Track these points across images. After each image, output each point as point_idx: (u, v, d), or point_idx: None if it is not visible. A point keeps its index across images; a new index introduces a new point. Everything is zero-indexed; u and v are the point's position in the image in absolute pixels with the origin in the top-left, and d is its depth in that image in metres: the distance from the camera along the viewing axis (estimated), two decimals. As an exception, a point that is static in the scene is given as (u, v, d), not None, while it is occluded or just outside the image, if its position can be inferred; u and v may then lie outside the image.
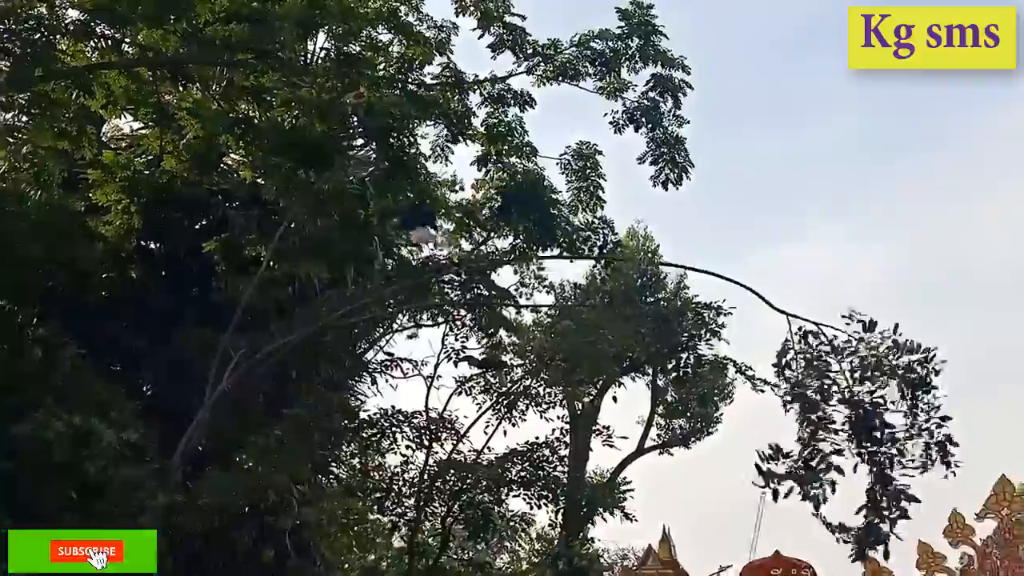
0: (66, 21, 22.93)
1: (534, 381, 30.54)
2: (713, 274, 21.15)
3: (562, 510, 30.15)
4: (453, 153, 25.65)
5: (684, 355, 21.64)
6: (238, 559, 21.12)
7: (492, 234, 26.61)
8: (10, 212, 23.55)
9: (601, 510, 31.14)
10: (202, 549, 20.56)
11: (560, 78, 23.85)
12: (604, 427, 31.68)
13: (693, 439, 44.24)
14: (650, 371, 41.16)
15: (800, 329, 19.04)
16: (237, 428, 22.08)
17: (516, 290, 30.12)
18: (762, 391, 20.49)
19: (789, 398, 18.72)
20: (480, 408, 30.02)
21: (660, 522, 38.54)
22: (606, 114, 24.06)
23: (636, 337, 31.98)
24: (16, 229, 23.34)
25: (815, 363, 18.79)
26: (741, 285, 20.46)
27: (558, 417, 30.87)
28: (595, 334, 27.71)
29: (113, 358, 25.45)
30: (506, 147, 25.59)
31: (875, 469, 17.97)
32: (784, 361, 19.06)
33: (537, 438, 29.45)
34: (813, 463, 18.03)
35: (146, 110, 24.57)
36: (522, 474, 28.70)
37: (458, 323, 28.67)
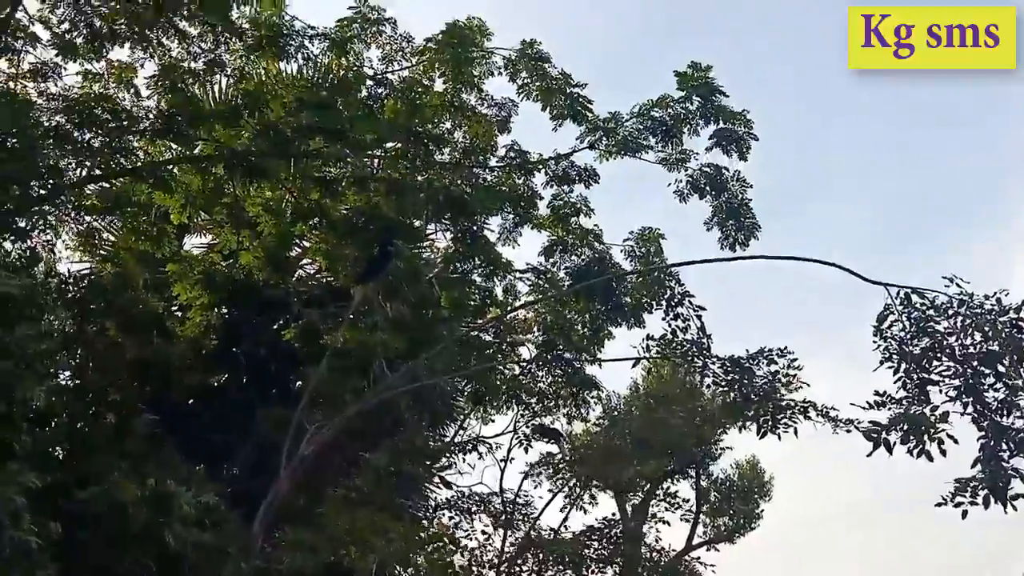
0: (143, 124, 19.90)
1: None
2: (795, 259, 17.44)
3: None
4: (521, 235, 22.31)
5: (765, 403, 17.38)
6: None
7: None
8: (98, 310, 20.01)
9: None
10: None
11: (623, 152, 20.47)
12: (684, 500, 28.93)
13: (737, 535, 40.58)
14: (694, 473, 38.31)
15: (899, 293, 16.26)
16: (316, 493, 18.27)
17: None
18: (848, 431, 16.79)
19: (891, 357, 16.04)
20: (546, 493, 27.40)
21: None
22: (669, 184, 20.87)
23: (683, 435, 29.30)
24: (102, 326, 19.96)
25: (919, 323, 16.03)
26: (831, 265, 16.99)
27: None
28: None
29: (197, 453, 21.73)
30: (572, 234, 22.26)
31: (988, 421, 15.19)
32: (886, 326, 16.23)
33: (614, 514, 26.18)
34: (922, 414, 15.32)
35: (220, 208, 21.11)
36: (600, 552, 25.19)
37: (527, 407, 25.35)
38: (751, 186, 20.49)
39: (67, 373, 18.81)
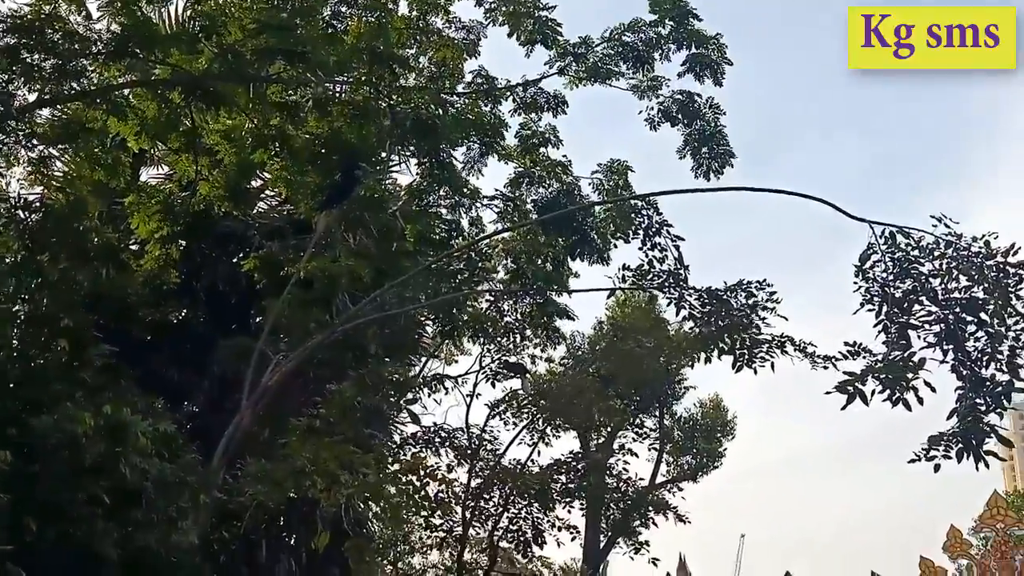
0: (96, 47, 18.71)
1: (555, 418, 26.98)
2: (779, 191, 16.74)
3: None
4: (487, 166, 21.37)
5: (741, 335, 16.60)
6: (287, 549, 16.43)
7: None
8: (51, 240, 18.82)
9: (651, 513, 27.05)
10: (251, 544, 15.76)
11: (593, 79, 19.57)
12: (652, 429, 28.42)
13: (700, 473, 40.14)
14: (657, 412, 37.72)
15: (884, 231, 15.57)
16: (279, 425, 17.33)
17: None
18: (825, 367, 16.36)
19: (872, 299, 15.34)
20: (512, 430, 26.93)
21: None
22: (640, 112, 20.06)
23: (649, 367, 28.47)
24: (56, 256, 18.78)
25: (903, 264, 15.32)
26: (816, 199, 16.22)
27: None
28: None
29: (155, 390, 20.75)
30: (539, 165, 21.30)
31: (967, 371, 14.53)
32: (868, 265, 15.54)
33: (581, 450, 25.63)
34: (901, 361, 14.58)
35: (177, 135, 19.95)
36: (567, 485, 24.56)
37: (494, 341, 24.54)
38: (724, 113, 19.76)
39: (19, 304, 17.74)
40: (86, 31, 18.94)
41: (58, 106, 19.68)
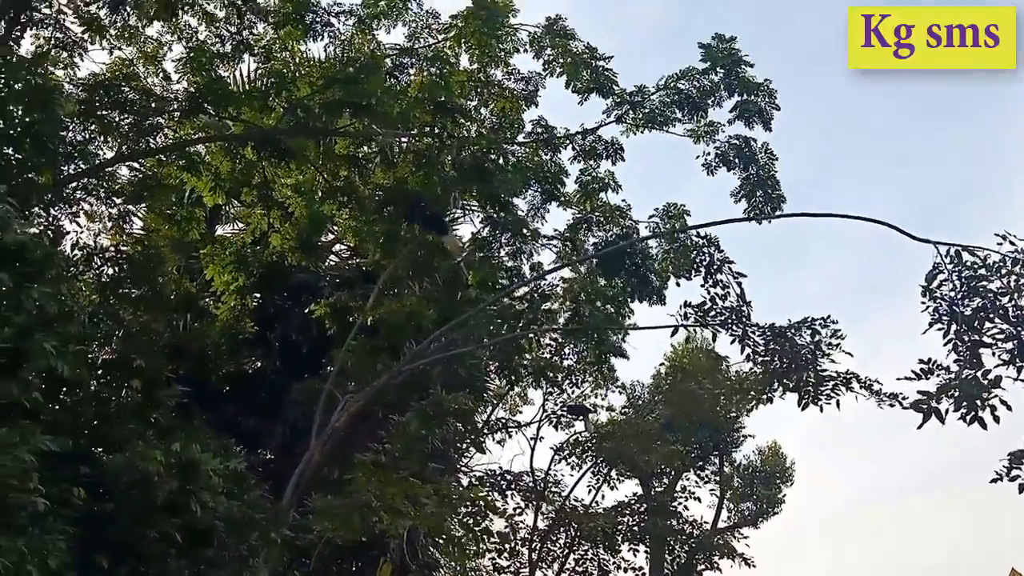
0: (172, 105, 19.07)
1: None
2: (837, 215, 16.46)
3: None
4: (548, 212, 21.27)
5: (805, 373, 16.09)
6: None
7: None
8: (128, 295, 18.93)
9: (717, 556, 26.41)
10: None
11: (650, 125, 19.42)
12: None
13: (761, 519, 39.26)
14: (717, 460, 37.00)
15: (950, 251, 14.97)
16: (347, 464, 17.13)
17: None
18: (892, 406, 15.76)
19: (941, 318, 14.74)
20: (575, 472, 26.76)
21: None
22: (698, 156, 19.76)
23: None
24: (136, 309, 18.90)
25: (971, 282, 14.73)
26: (876, 221, 15.84)
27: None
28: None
29: (232, 437, 20.83)
30: (598, 210, 21.07)
31: None
32: (935, 284, 14.96)
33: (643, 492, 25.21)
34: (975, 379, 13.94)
35: (250, 190, 20.14)
36: (633, 527, 24.06)
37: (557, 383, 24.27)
38: (777, 158, 19.43)
39: (98, 349, 17.75)
40: (162, 91, 19.32)
41: (135, 163, 19.95)
